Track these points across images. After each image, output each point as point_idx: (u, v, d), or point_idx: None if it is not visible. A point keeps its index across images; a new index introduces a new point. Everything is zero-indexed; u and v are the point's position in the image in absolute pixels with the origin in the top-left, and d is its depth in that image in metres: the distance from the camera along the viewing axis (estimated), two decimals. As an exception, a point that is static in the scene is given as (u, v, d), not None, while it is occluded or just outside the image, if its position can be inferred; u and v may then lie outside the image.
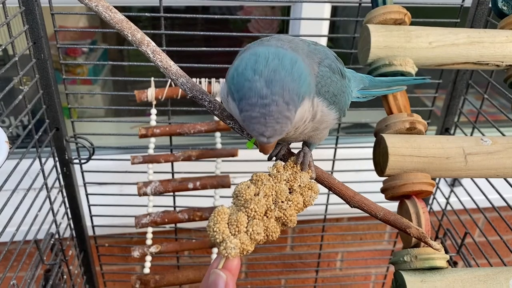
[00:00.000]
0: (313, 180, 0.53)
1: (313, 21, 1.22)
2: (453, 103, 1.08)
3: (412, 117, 0.72)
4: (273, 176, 0.50)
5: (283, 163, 0.52)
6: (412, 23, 0.77)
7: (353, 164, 1.15)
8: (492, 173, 0.70)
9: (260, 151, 0.47)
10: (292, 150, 0.57)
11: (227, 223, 0.47)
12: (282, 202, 0.49)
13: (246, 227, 0.47)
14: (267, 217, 0.48)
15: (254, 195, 0.48)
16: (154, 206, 0.99)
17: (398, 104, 0.75)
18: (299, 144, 0.58)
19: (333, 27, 1.61)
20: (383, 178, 0.74)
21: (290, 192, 0.50)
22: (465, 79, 1.04)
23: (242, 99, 0.43)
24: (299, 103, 0.44)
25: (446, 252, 0.97)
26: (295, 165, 0.52)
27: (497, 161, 0.69)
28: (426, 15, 0.94)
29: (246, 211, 0.47)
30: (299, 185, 0.51)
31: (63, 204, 1.02)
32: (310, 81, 0.47)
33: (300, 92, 0.44)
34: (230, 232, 0.47)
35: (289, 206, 0.49)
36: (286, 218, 0.48)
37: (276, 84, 0.42)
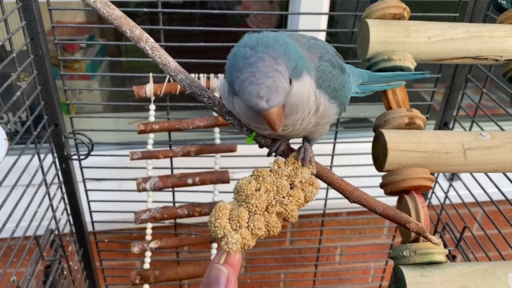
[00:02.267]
0: (314, 176, 0.53)
1: (312, 15, 1.22)
2: (452, 97, 1.08)
3: (411, 112, 0.72)
4: (274, 172, 0.51)
5: (284, 159, 0.53)
6: (411, 18, 0.77)
7: (352, 159, 1.15)
8: (491, 167, 0.71)
9: (268, 124, 0.44)
10: (292, 146, 0.57)
11: (228, 219, 0.47)
12: (283, 197, 0.49)
13: (247, 222, 0.47)
14: (268, 212, 0.48)
15: (255, 190, 0.49)
16: (153, 201, 0.99)
17: (397, 99, 0.75)
18: (299, 141, 0.58)
19: (331, 22, 1.61)
20: (382, 173, 0.74)
21: (291, 188, 0.50)
22: (464, 74, 1.04)
23: (232, 72, 0.43)
24: (291, 65, 0.43)
25: (445, 246, 0.97)
26: (296, 161, 0.52)
27: (496, 156, 0.70)
28: (425, 9, 0.94)
29: (247, 207, 0.48)
30: (300, 181, 0.51)
31: (62, 200, 1.02)
32: (306, 59, 0.47)
33: (289, 55, 0.43)
34: (231, 227, 0.47)
35: (290, 202, 0.49)
36: (287, 214, 0.49)
37: (260, 45, 0.43)
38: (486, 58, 0.75)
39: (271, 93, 0.42)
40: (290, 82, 0.44)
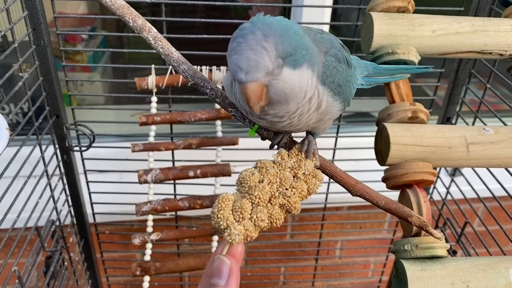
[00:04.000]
0: (317, 168, 0.53)
1: (315, 8, 1.21)
2: (455, 92, 1.07)
3: (415, 106, 0.72)
4: (278, 164, 0.50)
5: (287, 151, 0.52)
6: (415, 11, 0.77)
7: (354, 153, 1.15)
8: (494, 162, 0.70)
9: (245, 100, 0.44)
10: (295, 139, 0.57)
11: (231, 210, 0.47)
12: (286, 189, 0.49)
13: (250, 214, 0.47)
14: (271, 204, 0.48)
15: (259, 182, 0.48)
16: (154, 194, 0.99)
17: (401, 93, 0.75)
18: (302, 134, 0.57)
19: (334, 15, 1.60)
20: (384, 167, 0.74)
21: (294, 180, 0.50)
22: (467, 69, 1.03)
23: (229, 47, 0.43)
24: (284, 48, 0.43)
25: (446, 241, 0.97)
26: (299, 153, 0.52)
27: (499, 151, 0.69)
28: (429, 3, 0.93)
29: (250, 198, 0.47)
30: (304, 173, 0.50)
31: (63, 192, 1.02)
32: (312, 52, 0.47)
33: (289, 41, 0.43)
34: (234, 219, 0.47)
35: (293, 194, 0.49)
36: (290, 205, 0.48)
37: (261, 22, 0.43)
38: (491, 53, 0.75)
39: (249, 66, 0.42)
40: (282, 67, 0.43)
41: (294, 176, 0.50)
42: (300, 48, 0.44)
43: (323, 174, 0.54)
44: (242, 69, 0.42)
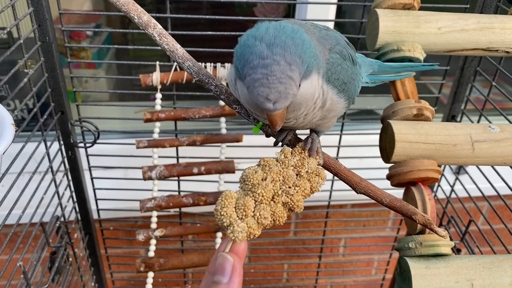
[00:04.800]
0: (320, 166, 0.53)
1: (320, 5, 1.20)
2: (460, 90, 1.07)
3: (420, 104, 0.72)
4: (281, 162, 0.50)
5: (291, 149, 0.52)
6: (421, 8, 0.76)
7: (359, 150, 1.15)
8: (499, 160, 0.70)
9: (269, 122, 0.45)
10: (299, 137, 0.57)
11: (234, 207, 0.47)
12: (289, 187, 0.49)
13: (253, 212, 0.47)
14: (274, 202, 0.48)
15: (262, 180, 0.48)
16: (158, 190, 1.00)
17: (406, 90, 0.75)
18: (306, 131, 0.57)
19: (339, 12, 1.59)
20: (388, 165, 0.74)
21: (297, 178, 0.50)
22: (473, 66, 1.03)
23: (244, 65, 0.43)
24: (303, 68, 0.43)
25: (450, 239, 0.97)
26: (303, 151, 0.52)
27: (505, 149, 0.69)
28: (435, 0, 0.93)
29: (253, 196, 0.47)
30: (307, 171, 0.50)
31: (68, 188, 1.03)
32: (317, 55, 0.46)
33: (303, 57, 0.43)
34: (237, 216, 0.47)
35: (296, 192, 0.49)
36: (293, 204, 0.48)
37: (277, 46, 0.42)
38: (497, 50, 0.74)
39: (280, 98, 0.42)
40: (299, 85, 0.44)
41: (297, 175, 0.50)
42: (310, 57, 0.44)
43: (327, 172, 0.54)
44: (270, 100, 0.42)
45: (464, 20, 0.74)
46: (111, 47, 1.26)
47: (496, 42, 0.74)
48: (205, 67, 0.93)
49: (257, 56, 0.42)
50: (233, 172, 0.99)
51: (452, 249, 0.68)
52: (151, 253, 1.00)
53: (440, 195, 1.21)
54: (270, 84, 0.42)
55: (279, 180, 0.49)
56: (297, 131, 0.57)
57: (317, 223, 1.48)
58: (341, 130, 1.12)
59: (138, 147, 0.97)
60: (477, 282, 0.63)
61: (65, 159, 1.00)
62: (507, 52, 0.75)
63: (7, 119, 0.57)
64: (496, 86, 0.97)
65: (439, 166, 0.71)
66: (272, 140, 0.57)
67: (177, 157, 1.06)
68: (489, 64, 0.98)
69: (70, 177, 1.02)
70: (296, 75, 0.42)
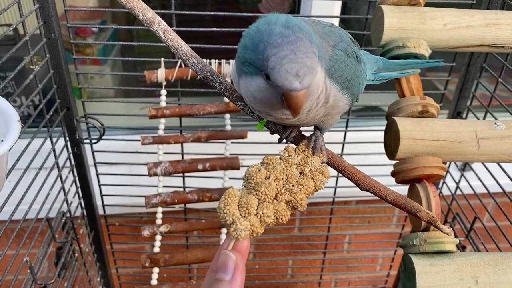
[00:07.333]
0: (324, 164, 0.53)
1: (325, 1, 1.20)
2: (466, 86, 1.06)
3: (425, 100, 0.71)
4: (284, 160, 0.50)
5: (295, 147, 0.52)
6: (426, 4, 0.76)
7: (363, 147, 1.15)
8: (505, 157, 0.70)
9: (289, 108, 0.44)
10: (303, 133, 0.57)
11: (238, 205, 0.47)
12: (293, 186, 0.49)
13: (256, 210, 0.47)
14: (277, 200, 0.48)
15: (265, 178, 0.48)
16: (163, 186, 1.00)
17: (411, 87, 0.74)
18: (310, 128, 0.57)
19: (344, 8, 1.58)
20: (393, 162, 0.73)
21: (301, 176, 0.50)
22: (479, 62, 1.02)
23: (266, 47, 0.42)
24: (317, 50, 0.43)
25: (455, 236, 0.97)
26: (306, 149, 0.52)
27: (511, 146, 0.68)
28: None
29: (256, 194, 0.47)
30: (310, 169, 0.50)
31: (74, 183, 1.03)
32: (322, 51, 0.46)
33: (315, 43, 0.43)
34: (240, 214, 0.47)
35: (300, 190, 0.49)
36: (296, 202, 0.48)
37: (294, 26, 0.42)
38: (503, 46, 0.74)
39: (308, 73, 0.42)
40: None
41: (300, 173, 0.50)
42: (317, 46, 0.44)
43: (331, 169, 0.54)
44: (299, 77, 0.41)
45: (470, 16, 0.73)
46: (116, 43, 1.26)
47: (502, 38, 0.73)
48: (210, 63, 0.93)
49: (279, 35, 0.41)
50: (238, 169, 1.00)
51: (457, 246, 0.67)
52: (156, 249, 1.01)
53: (446, 191, 1.21)
54: (298, 59, 0.41)
55: (283, 178, 0.49)
56: (302, 128, 0.57)
57: (322, 220, 1.48)
58: (346, 127, 1.11)
59: (143, 144, 0.97)
60: (482, 279, 0.63)
61: (71, 155, 1.00)
62: (513, 48, 0.74)
63: (13, 116, 0.57)
64: (502, 82, 0.96)
65: (444, 163, 0.71)
66: (276, 136, 0.57)
67: (182, 154, 1.06)
68: (495, 60, 0.97)
69: (75, 173, 1.03)
70: (317, 53, 0.42)
